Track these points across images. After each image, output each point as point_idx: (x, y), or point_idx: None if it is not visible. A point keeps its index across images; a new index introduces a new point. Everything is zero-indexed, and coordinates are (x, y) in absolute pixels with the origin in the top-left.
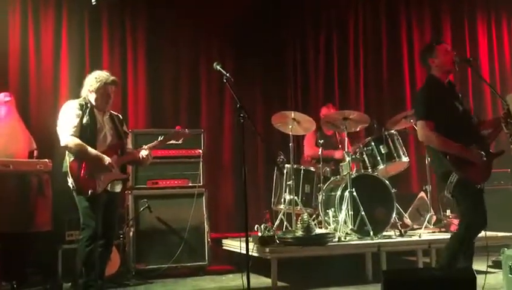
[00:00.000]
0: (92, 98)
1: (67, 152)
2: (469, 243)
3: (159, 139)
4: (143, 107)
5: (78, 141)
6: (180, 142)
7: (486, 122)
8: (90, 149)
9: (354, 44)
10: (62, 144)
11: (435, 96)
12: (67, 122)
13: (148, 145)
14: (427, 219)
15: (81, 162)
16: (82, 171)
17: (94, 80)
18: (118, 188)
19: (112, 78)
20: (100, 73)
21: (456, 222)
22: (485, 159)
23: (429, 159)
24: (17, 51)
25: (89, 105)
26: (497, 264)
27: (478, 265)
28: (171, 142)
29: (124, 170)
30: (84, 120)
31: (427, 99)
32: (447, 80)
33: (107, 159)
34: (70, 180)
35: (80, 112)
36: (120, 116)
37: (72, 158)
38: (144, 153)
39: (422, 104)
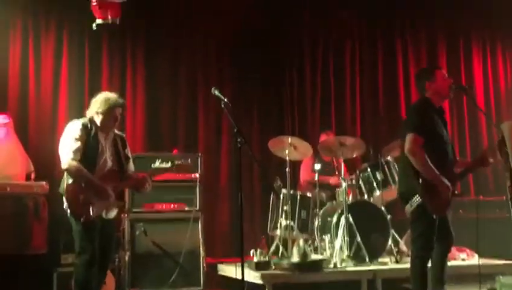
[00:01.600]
0: (98, 119)
1: (66, 174)
2: (426, 267)
3: (160, 164)
4: (140, 130)
5: (79, 166)
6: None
7: (460, 161)
8: (91, 177)
9: (351, 70)
10: (63, 167)
11: (427, 116)
12: (69, 145)
13: (149, 172)
14: None
15: (78, 187)
16: (77, 196)
17: (104, 101)
18: (113, 215)
19: (121, 100)
20: (109, 95)
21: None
22: (450, 196)
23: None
24: (16, 72)
25: (93, 127)
26: None
27: None
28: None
29: (121, 197)
30: (87, 143)
31: (421, 115)
32: (439, 105)
33: (108, 190)
34: (65, 203)
35: (83, 134)
36: (124, 136)
37: (69, 181)
38: (147, 181)
39: (415, 118)
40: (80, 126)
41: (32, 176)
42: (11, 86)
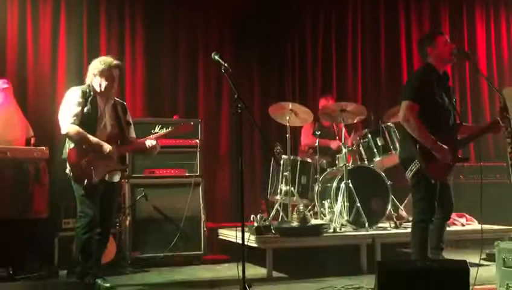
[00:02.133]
0: (96, 82)
1: (67, 139)
2: (427, 232)
3: (160, 130)
4: (140, 96)
5: (78, 129)
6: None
7: (467, 128)
8: (90, 137)
9: (352, 36)
10: (63, 132)
11: (426, 83)
12: (68, 111)
13: (156, 135)
14: None
15: (80, 151)
16: (80, 160)
17: (98, 63)
18: (117, 178)
19: (116, 61)
20: (105, 57)
21: (453, 215)
22: (450, 162)
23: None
24: (15, 38)
25: (92, 93)
26: (491, 257)
27: (471, 258)
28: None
29: (123, 160)
30: (86, 108)
31: (418, 82)
32: (442, 71)
33: (108, 147)
34: (68, 168)
35: (82, 100)
36: (124, 103)
37: (71, 145)
38: (151, 142)
39: (412, 85)
40: (79, 92)
41: (32, 141)
42: (9, 50)
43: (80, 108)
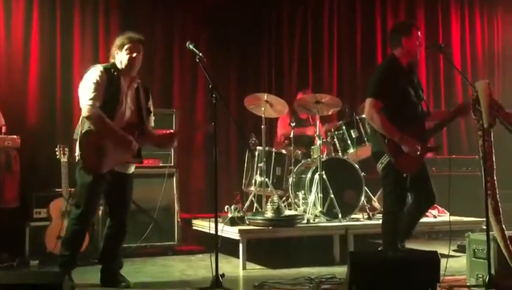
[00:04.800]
0: (118, 58)
1: (81, 119)
2: (397, 224)
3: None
4: None
5: (101, 114)
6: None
7: (436, 113)
8: (114, 126)
9: (329, 30)
10: (84, 114)
11: (390, 78)
12: (90, 91)
13: (176, 131)
14: None
15: (96, 136)
16: (93, 146)
17: (120, 38)
18: (131, 170)
19: (138, 36)
20: (127, 32)
21: None
22: (418, 153)
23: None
24: None
25: (114, 72)
26: (462, 249)
27: (442, 249)
28: None
29: (139, 153)
30: (107, 88)
31: (381, 79)
32: (407, 64)
33: (130, 139)
34: (77, 152)
35: (105, 78)
36: (148, 88)
37: (86, 128)
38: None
39: (375, 82)
40: (101, 69)
41: (4, 129)
42: None
43: (102, 88)
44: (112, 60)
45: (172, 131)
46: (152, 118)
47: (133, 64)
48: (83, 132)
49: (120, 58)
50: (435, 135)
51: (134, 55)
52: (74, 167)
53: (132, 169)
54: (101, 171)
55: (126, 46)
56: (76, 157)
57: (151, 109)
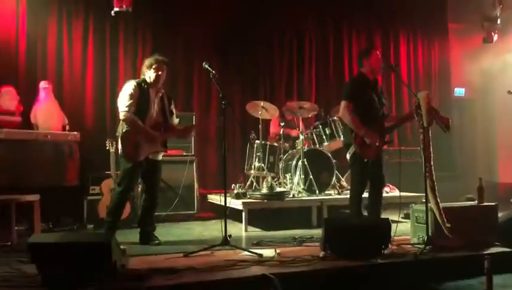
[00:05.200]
0: (147, 76)
1: (122, 122)
2: (361, 198)
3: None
4: None
5: (134, 118)
6: (177, 121)
7: (393, 117)
8: (144, 127)
9: (309, 52)
10: (121, 117)
11: (359, 87)
12: (126, 99)
13: (193, 126)
14: None
15: (132, 134)
16: (130, 141)
17: (149, 58)
18: (160, 157)
19: (161, 57)
20: (154, 55)
21: None
22: (377, 144)
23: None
24: (53, 50)
25: (145, 85)
26: (407, 216)
27: (393, 216)
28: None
29: (165, 144)
30: (139, 98)
31: (353, 87)
32: (373, 78)
33: (155, 134)
34: (120, 146)
35: (137, 91)
36: (170, 95)
37: (124, 129)
38: (194, 133)
39: (348, 89)
40: (135, 84)
41: (67, 127)
42: (49, 59)
43: (134, 98)
44: (142, 76)
45: (189, 126)
46: (175, 117)
47: (159, 80)
48: (123, 131)
49: (149, 75)
50: (391, 132)
51: (159, 72)
52: (119, 156)
53: (161, 157)
54: (138, 160)
55: (154, 66)
56: (119, 150)
57: (174, 111)
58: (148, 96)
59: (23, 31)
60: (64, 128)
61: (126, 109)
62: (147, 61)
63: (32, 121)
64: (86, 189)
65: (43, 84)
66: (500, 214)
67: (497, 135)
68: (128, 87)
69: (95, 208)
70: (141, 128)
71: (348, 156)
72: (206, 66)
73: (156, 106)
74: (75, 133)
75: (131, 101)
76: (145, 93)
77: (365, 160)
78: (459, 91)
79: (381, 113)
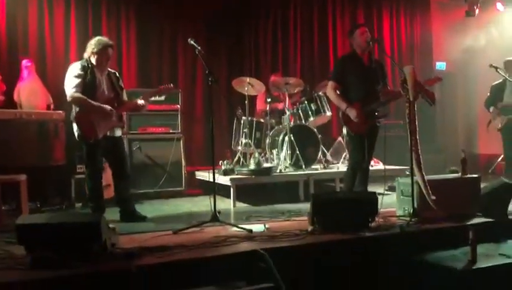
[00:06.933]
0: (94, 59)
1: (73, 105)
2: (356, 173)
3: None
4: (134, 71)
5: (80, 96)
6: (163, 98)
7: (387, 89)
8: (92, 102)
9: (294, 28)
10: (68, 99)
11: (346, 66)
12: (71, 82)
13: (143, 95)
14: (342, 156)
15: (84, 113)
16: (84, 121)
17: (97, 43)
18: (118, 133)
19: (111, 42)
20: (101, 38)
21: None
22: (357, 119)
23: None
24: (35, 28)
25: (90, 65)
26: (392, 189)
27: (378, 189)
28: (157, 98)
29: (121, 118)
30: (86, 78)
31: (338, 67)
32: (362, 54)
33: (108, 107)
34: (75, 128)
35: (83, 72)
36: (117, 73)
37: (77, 109)
38: (141, 101)
39: (334, 69)
40: (79, 66)
41: (52, 106)
42: (31, 37)
43: (80, 79)
44: (85, 55)
45: (138, 100)
46: (124, 93)
47: (106, 64)
48: (76, 112)
49: (96, 58)
50: (382, 107)
51: (107, 59)
52: (77, 140)
53: (119, 133)
54: (97, 138)
55: (101, 52)
56: (76, 133)
57: (123, 86)
58: (94, 75)
59: (3, 8)
60: (49, 107)
61: (73, 89)
62: (95, 46)
63: (15, 100)
64: (73, 168)
65: (25, 63)
66: (481, 186)
67: (478, 108)
68: (73, 69)
69: (83, 187)
70: (91, 105)
71: (343, 134)
72: (192, 42)
73: (104, 84)
74: (60, 112)
75: (77, 81)
76: (91, 73)
77: (357, 135)
78: (440, 65)
79: (373, 88)
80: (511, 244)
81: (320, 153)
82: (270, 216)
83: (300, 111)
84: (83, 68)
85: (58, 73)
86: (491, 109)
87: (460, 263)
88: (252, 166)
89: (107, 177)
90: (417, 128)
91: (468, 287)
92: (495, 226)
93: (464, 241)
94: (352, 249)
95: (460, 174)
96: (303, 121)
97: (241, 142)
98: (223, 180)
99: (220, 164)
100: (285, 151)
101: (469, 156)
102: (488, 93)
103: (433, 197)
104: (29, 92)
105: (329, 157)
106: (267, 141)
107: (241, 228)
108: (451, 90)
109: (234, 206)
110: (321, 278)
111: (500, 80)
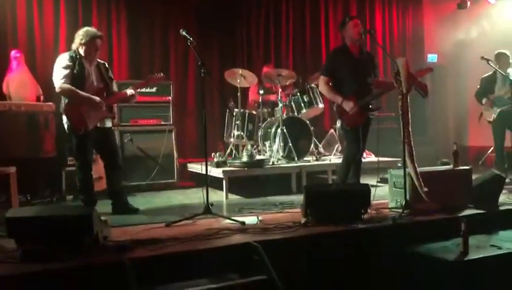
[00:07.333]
0: (82, 50)
1: (62, 96)
2: (350, 165)
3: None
4: (125, 62)
5: (69, 87)
6: (154, 90)
7: (378, 81)
8: (81, 93)
9: (286, 19)
10: (57, 90)
11: (337, 60)
12: (59, 73)
13: (133, 86)
14: (335, 149)
15: (74, 104)
16: (74, 112)
17: (85, 34)
18: (109, 124)
19: (99, 33)
20: (89, 29)
21: None
22: (353, 111)
23: None
24: (24, 18)
25: (78, 56)
26: (385, 181)
27: (370, 181)
28: (148, 89)
29: (111, 109)
30: (75, 69)
31: (329, 61)
32: (354, 47)
33: (97, 98)
34: (65, 120)
35: (71, 63)
36: (106, 64)
37: (66, 101)
38: (131, 91)
39: (326, 63)
40: (67, 57)
41: (41, 98)
42: (19, 28)
43: (69, 70)
44: (74, 46)
45: (127, 91)
46: (114, 83)
47: (95, 55)
48: (65, 103)
49: (84, 49)
50: (375, 100)
51: (96, 50)
52: (67, 132)
53: (110, 124)
54: (87, 129)
55: (89, 43)
56: (65, 125)
57: (112, 77)
58: (83, 66)
59: None
60: (38, 99)
61: (61, 80)
62: (83, 37)
63: (4, 92)
64: (64, 160)
65: (14, 54)
66: (472, 177)
67: (468, 100)
68: (61, 60)
69: (74, 179)
70: (80, 96)
71: (338, 127)
72: (184, 33)
73: (93, 75)
74: (50, 103)
75: (66, 72)
76: (79, 64)
77: (352, 129)
78: (432, 57)
79: (364, 80)
80: (503, 235)
81: (312, 145)
82: (262, 208)
83: (292, 103)
84: (72, 59)
85: (48, 64)
86: (484, 100)
87: (452, 255)
88: (245, 158)
89: (99, 169)
90: (410, 121)
91: (460, 279)
92: (486, 217)
93: (456, 233)
94: (345, 241)
95: (452, 166)
96: (295, 113)
97: (234, 134)
98: (216, 172)
99: (212, 156)
100: (277, 144)
101: (459, 148)
102: (478, 86)
103: (426, 189)
104: (19, 84)
105: (321, 149)
106: (260, 133)
107: (234, 220)
108: (442, 82)
109: (227, 198)
110: (314, 270)
111: (490, 72)
